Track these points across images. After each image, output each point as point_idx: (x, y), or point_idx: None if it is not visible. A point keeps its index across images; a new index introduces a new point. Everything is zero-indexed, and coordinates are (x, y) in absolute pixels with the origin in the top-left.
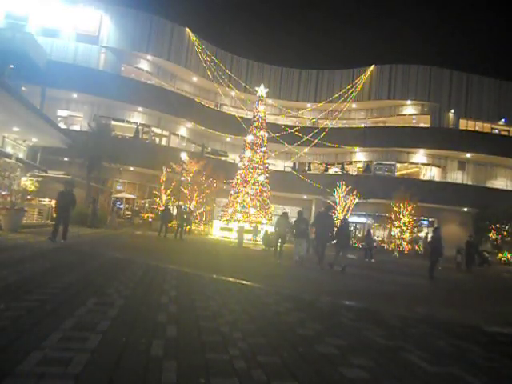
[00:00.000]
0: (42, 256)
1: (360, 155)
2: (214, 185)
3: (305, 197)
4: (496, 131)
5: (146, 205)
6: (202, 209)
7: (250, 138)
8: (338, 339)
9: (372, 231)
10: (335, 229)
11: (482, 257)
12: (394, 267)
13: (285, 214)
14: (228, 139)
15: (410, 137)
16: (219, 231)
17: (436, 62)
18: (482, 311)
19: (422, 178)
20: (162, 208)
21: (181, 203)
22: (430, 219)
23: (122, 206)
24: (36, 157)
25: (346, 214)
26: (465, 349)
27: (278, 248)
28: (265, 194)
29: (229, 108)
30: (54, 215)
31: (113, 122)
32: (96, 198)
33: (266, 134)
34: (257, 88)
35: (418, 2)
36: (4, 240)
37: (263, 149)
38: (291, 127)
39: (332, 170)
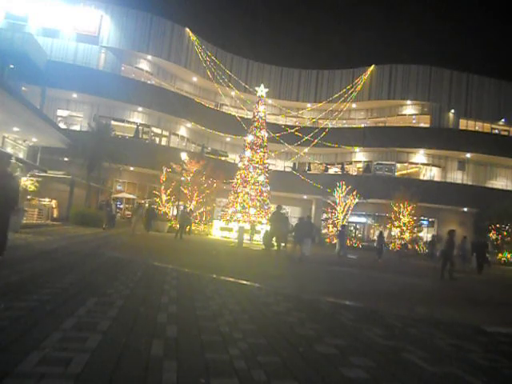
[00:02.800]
0: (42, 256)
1: (360, 155)
2: (214, 185)
3: (305, 197)
4: (496, 131)
5: (146, 205)
6: (202, 209)
7: (250, 137)
8: (337, 339)
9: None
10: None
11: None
12: (397, 267)
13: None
14: (228, 139)
15: (410, 137)
16: (219, 231)
17: (436, 62)
18: (482, 311)
19: (422, 177)
20: (146, 206)
21: (181, 203)
22: (430, 219)
23: (121, 206)
24: (36, 157)
25: (346, 215)
26: (465, 349)
27: (276, 247)
28: (265, 194)
29: (229, 108)
30: None
31: (113, 122)
32: (109, 200)
33: (266, 134)
34: (257, 88)
35: (418, 1)
36: None
37: (263, 149)
38: (291, 127)
39: (332, 170)
